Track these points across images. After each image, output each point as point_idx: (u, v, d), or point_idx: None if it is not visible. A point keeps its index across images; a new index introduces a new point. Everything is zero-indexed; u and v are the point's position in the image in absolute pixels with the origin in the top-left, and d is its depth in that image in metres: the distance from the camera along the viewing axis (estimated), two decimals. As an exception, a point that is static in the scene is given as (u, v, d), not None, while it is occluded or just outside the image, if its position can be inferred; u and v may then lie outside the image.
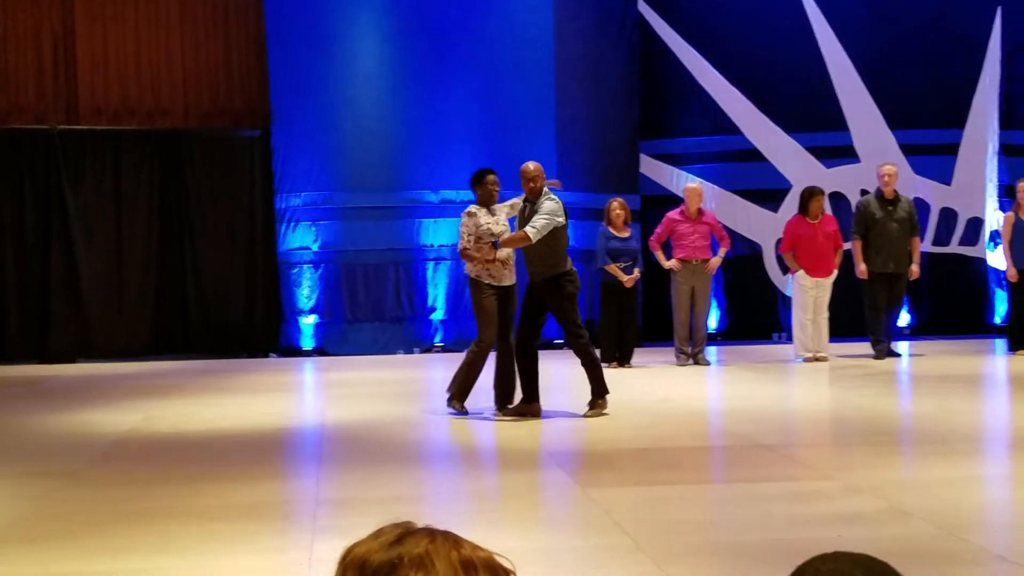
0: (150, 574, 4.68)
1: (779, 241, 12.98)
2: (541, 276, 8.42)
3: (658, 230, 12.20)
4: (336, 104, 13.61)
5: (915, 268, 12.21)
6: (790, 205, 13.56)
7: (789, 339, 12.77)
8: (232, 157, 13.87)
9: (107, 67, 13.73)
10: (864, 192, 13.22)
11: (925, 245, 13.78)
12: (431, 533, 1.54)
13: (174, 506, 5.85)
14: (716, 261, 12.12)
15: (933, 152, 14.46)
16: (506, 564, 1.55)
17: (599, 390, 8.49)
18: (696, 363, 11.83)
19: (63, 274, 13.44)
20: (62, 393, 10.87)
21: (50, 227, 13.42)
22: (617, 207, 11.74)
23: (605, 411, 8.45)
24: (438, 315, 13.86)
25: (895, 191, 12.21)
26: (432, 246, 13.86)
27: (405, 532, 1.55)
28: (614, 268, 11.55)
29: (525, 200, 8.58)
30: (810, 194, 12.09)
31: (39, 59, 13.67)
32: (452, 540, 1.53)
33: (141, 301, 13.69)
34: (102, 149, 13.58)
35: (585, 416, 8.39)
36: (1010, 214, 12.50)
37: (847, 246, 12.27)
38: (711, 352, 12.64)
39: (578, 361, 8.55)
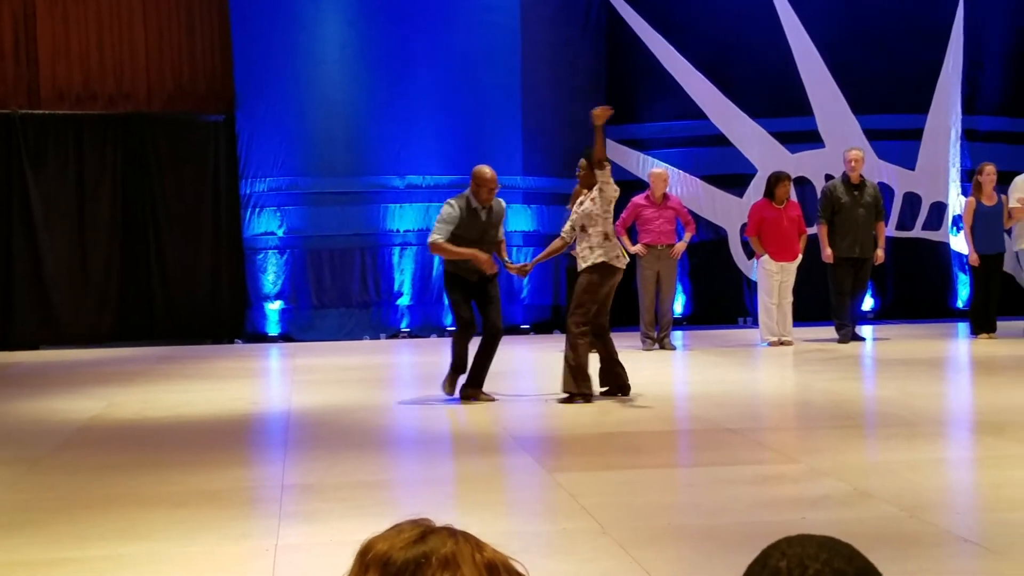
0: (115, 561, 4.65)
1: (744, 226, 13.04)
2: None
3: (623, 215, 12.21)
4: (301, 89, 13.54)
5: (880, 253, 12.30)
6: (755, 190, 13.62)
7: (754, 324, 12.84)
8: (196, 142, 13.77)
9: (69, 51, 13.59)
10: (829, 177, 13.29)
11: (889, 230, 13.86)
12: (453, 533, 1.53)
13: (139, 493, 5.82)
14: (681, 246, 12.15)
15: (897, 137, 14.55)
16: (520, 569, 1.56)
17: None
18: (662, 348, 11.87)
19: (25, 260, 13.32)
20: (25, 380, 10.78)
21: (12, 212, 13.29)
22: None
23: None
24: (404, 300, 13.83)
25: (861, 176, 12.30)
26: (398, 231, 13.82)
27: (427, 530, 1.53)
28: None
29: (477, 207, 8.51)
30: (776, 179, 12.15)
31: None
32: (474, 541, 1.52)
33: (105, 287, 13.58)
34: (64, 133, 13.45)
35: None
36: (971, 199, 12.60)
37: (811, 231, 12.35)
38: (677, 337, 12.69)
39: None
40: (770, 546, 1.40)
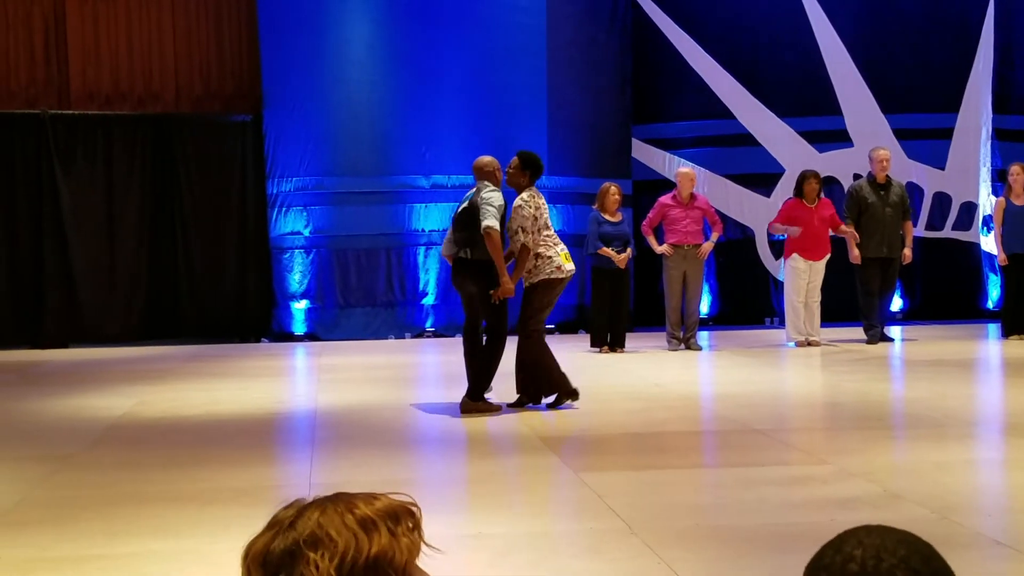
0: (145, 558, 4.67)
1: (771, 224, 12.97)
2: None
3: (650, 215, 12.20)
4: (328, 89, 13.58)
5: (908, 252, 12.24)
6: (782, 190, 13.57)
7: (781, 324, 12.79)
8: (223, 142, 13.84)
9: (98, 52, 13.68)
10: (857, 176, 13.22)
11: (918, 230, 13.81)
12: (321, 505, 1.50)
13: (169, 490, 5.85)
14: (708, 246, 12.11)
15: (926, 136, 14.46)
16: (405, 500, 1.53)
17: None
18: (688, 348, 11.84)
19: (54, 259, 13.41)
20: (54, 378, 10.85)
21: (42, 212, 13.38)
22: (615, 191, 11.74)
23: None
24: (429, 300, 13.85)
25: (887, 176, 12.23)
26: (423, 231, 13.84)
27: (297, 514, 1.50)
28: (607, 250, 11.55)
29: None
30: (803, 177, 12.09)
31: (30, 44, 13.61)
32: (344, 503, 1.50)
33: (132, 286, 13.66)
34: (93, 134, 13.54)
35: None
36: (1001, 199, 12.51)
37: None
38: (703, 337, 12.65)
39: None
40: (847, 531, 1.34)
